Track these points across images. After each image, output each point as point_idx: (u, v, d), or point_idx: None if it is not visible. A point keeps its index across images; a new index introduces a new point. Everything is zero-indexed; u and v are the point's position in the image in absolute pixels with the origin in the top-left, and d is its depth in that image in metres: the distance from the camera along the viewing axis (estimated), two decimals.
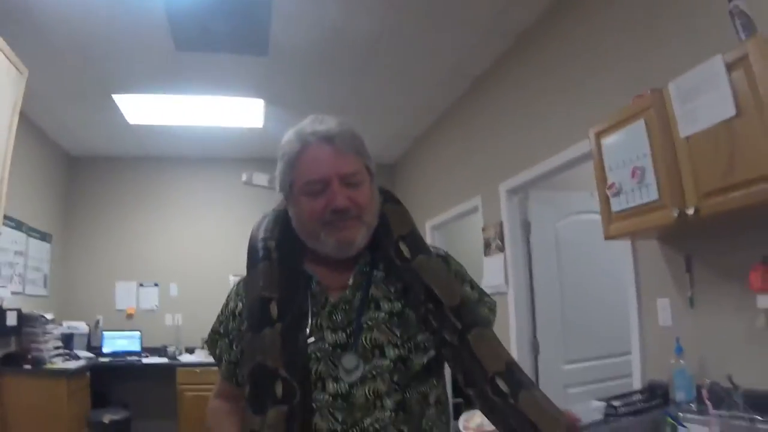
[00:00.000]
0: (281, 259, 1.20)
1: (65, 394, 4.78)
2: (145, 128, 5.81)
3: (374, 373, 1.13)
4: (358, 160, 1.20)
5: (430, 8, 3.66)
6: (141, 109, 5.29)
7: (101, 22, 3.74)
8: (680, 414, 2.21)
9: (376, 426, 1.10)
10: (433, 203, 5.66)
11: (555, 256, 4.10)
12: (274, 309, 1.13)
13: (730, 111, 1.88)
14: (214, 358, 1.35)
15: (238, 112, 5.44)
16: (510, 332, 3.99)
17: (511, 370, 1.07)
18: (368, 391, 1.12)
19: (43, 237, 5.91)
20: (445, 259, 1.31)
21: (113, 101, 5.06)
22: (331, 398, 1.12)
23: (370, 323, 1.17)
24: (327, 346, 1.15)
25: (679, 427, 2.15)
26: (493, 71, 4.48)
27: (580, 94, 3.33)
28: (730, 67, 1.89)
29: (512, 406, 1.02)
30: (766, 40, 1.86)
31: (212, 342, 1.37)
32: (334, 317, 1.18)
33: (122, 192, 6.76)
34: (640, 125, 2.29)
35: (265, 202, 6.86)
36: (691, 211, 2.03)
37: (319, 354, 1.15)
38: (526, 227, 4.16)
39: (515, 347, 3.95)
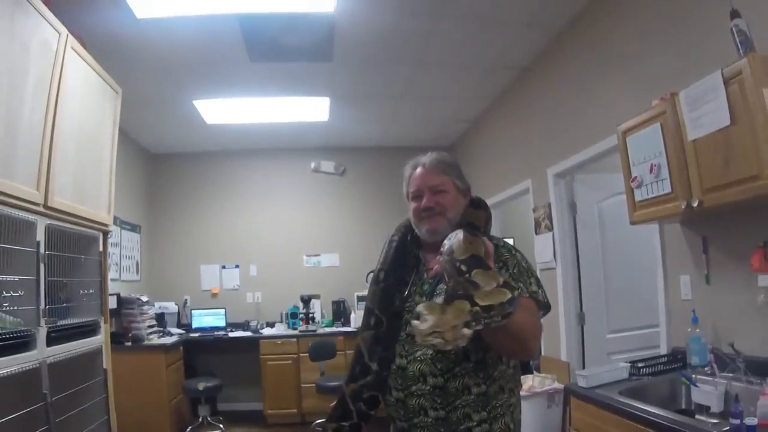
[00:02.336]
0: (398, 247, 1.85)
1: (163, 365, 5.49)
2: (221, 127, 6.37)
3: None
4: (444, 177, 1.77)
5: (475, 8, 3.98)
6: (218, 110, 5.83)
7: (184, 41, 4.23)
8: (694, 375, 2.58)
9: (419, 361, 1.64)
10: (488, 185, 6.00)
11: (598, 233, 4.45)
12: (381, 275, 1.81)
13: (726, 120, 2.22)
14: None
15: (306, 109, 5.92)
16: (558, 305, 4.37)
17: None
18: None
19: (134, 228, 6.61)
20: (497, 245, 1.69)
21: (193, 105, 5.62)
22: (405, 337, 1.69)
23: (438, 292, 1.68)
24: (413, 305, 1.68)
25: (692, 386, 2.53)
26: (538, 64, 4.82)
27: (614, 90, 3.65)
28: (727, 81, 2.22)
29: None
30: (759, 58, 2.17)
31: None
32: (424, 287, 1.75)
33: (201, 183, 7.40)
34: (657, 127, 2.65)
35: (332, 186, 7.49)
36: (695, 204, 2.41)
37: (408, 308, 1.73)
38: (572, 207, 4.52)
39: (563, 319, 4.35)
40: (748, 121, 2.13)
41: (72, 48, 2.94)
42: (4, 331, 2.31)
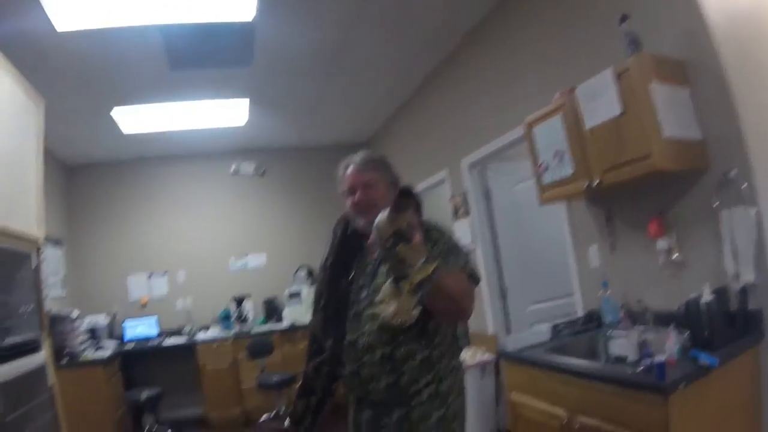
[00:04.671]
0: (341, 236, 2.08)
1: (103, 380, 5.47)
2: (139, 136, 6.33)
3: (372, 303, 1.88)
4: (372, 173, 2.01)
5: (387, 16, 4.24)
6: (135, 120, 5.79)
7: (103, 52, 4.20)
8: (609, 331, 2.96)
9: (366, 334, 1.88)
10: (405, 177, 6.24)
11: (514, 215, 4.85)
12: (328, 261, 2.07)
13: (617, 110, 2.59)
14: None
15: (225, 113, 5.99)
16: (482, 283, 4.69)
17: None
18: (367, 314, 1.90)
19: (56, 243, 6.42)
20: (428, 228, 1.89)
21: (110, 116, 5.58)
22: (353, 315, 1.95)
23: (379, 273, 1.91)
24: (358, 286, 1.98)
25: (610, 339, 2.89)
26: (449, 63, 5.15)
27: (521, 85, 4.01)
28: (618, 77, 2.59)
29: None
30: (644, 57, 2.56)
31: None
32: (368, 268, 1.98)
33: (122, 193, 7.31)
34: (558, 119, 3.01)
35: (253, 188, 7.57)
36: (596, 183, 2.78)
37: (352, 290, 1.98)
38: (487, 194, 4.90)
39: (487, 295, 4.73)
40: (636, 110, 2.51)
41: None
42: None
